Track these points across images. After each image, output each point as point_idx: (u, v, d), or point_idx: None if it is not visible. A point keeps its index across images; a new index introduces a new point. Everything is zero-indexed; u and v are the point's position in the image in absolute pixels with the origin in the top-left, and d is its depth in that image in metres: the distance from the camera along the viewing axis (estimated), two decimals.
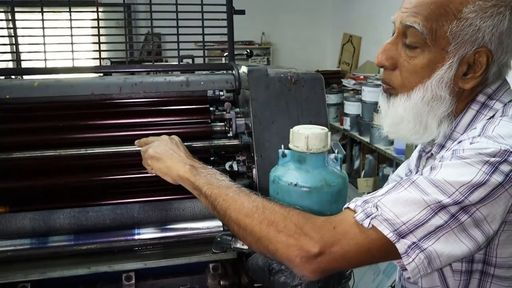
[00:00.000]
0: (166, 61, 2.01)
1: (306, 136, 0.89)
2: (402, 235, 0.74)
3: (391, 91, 0.93)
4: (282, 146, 0.95)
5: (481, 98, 0.89)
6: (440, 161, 0.79)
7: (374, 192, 0.83)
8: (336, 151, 0.95)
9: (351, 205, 0.80)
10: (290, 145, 0.93)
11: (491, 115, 0.88)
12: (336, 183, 0.91)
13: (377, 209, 0.76)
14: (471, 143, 0.79)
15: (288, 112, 1.15)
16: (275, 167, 0.96)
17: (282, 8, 5.90)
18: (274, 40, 5.97)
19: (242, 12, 1.22)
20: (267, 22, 5.89)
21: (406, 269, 0.75)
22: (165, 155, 1.02)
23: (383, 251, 0.76)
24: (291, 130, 0.93)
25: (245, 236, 0.85)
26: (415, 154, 1.21)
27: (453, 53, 0.85)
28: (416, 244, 0.73)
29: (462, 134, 0.88)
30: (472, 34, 0.83)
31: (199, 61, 1.81)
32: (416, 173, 1.03)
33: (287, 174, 0.92)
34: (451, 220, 0.73)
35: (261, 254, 0.89)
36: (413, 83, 0.88)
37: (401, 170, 1.30)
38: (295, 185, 0.89)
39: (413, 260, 0.73)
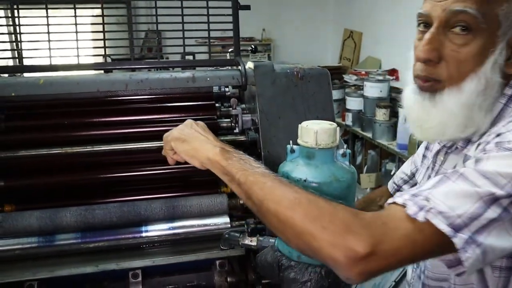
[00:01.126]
0: (167, 58, 2.00)
1: (315, 131, 0.89)
2: (458, 229, 0.70)
3: (436, 86, 0.87)
4: (291, 141, 0.95)
5: (508, 91, 0.87)
6: (484, 153, 0.76)
7: (417, 186, 0.80)
8: (345, 146, 0.94)
9: (398, 199, 0.75)
10: (299, 141, 0.92)
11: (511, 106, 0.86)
12: (345, 179, 0.90)
13: (429, 202, 0.72)
14: None
15: (295, 108, 1.15)
16: (283, 162, 0.96)
17: (283, 4, 5.88)
18: (274, 36, 5.96)
19: (247, 7, 1.21)
20: (268, 18, 5.88)
21: (454, 266, 0.73)
22: (192, 137, 0.94)
23: (436, 245, 0.72)
24: (299, 125, 0.92)
25: (284, 230, 0.79)
26: (421, 150, 1.20)
27: (502, 37, 0.83)
28: (472, 239, 0.70)
29: (492, 128, 0.84)
30: (506, 16, 0.82)
31: (201, 57, 1.81)
32: (431, 169, 1.01)
33: (296, 170, 0.91)
34: (504, 213, 0.70)
35: (301, 251, 0.83)
36: (464, 73, 0.84)
37: (406, 166, 1.30)
38: (305, 180, 0.89)
39: (470, 255, 0.70)
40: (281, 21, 5.92)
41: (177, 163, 1.16)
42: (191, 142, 0.93)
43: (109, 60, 1.46)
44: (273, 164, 0.97)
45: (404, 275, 3.05)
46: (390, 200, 0.78)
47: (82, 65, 1.27)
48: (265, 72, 1.14)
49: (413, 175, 1.24)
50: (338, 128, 0.92)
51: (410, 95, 0.92)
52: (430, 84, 0.87)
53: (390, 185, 1.34)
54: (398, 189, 1.28)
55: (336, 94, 4.32)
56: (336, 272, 0.77)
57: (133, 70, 1.32)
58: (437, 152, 1.01)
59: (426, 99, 0.88)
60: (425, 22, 0.87)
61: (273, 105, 1.14)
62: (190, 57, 1.99)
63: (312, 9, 6.03)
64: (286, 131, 1.10)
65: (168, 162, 1.03)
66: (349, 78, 4.34)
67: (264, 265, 1.02)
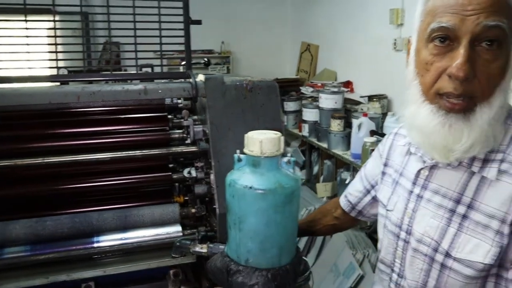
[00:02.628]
0: (126, 70, 2.01)
1: (260, 140, 0.93)
2: None
3: (469, 105, 0.82)
4: (238, 151, 0.99)
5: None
6: None
7: None
8: (289, 155, 0.99)
9: None
10: (245, 150, 0.97)
11: (510, 123, 0.88)
12: (289, 185, 0.95)
13: None
14: None
15: (244, 119, 1.19)
16: (231, 171, 1.00)
17: (242, 17, 5.96)
18: (233, 49, 6.03)
19: (198, 22, 1.25)
20: (227, 31, 5.94)
21: None
22: None
23: None
24: (245, 135, 0.96)
25: None
26: (376, 168, 1.20)
27: None
28: None
29: (501, 146, 0.86)
30: None
31: (158, 70, 1.83)
32: (413, 184, 1.00)
33: (242, 178, 0.95)
34: None
35: None
36: (493, 88, 0.82)
37: (358, 183, 1.29)
38: (250, 187, 0.93)
39: None
40: (240, 34, 5.99)
41: (130, 173, 1.19)
42: None
43: (66, 72, 1.46)
44: (223, 174, 1.00)
45: (360, 280, 3.14)
46: None
47: (35, 77, 1.27)
48: (215, 85, 1.18)
49: (368, 192, 1.26)
50: (282, 138, 0.97)
51: (428, 117, 0.86)
52: (464, 103, 0.82)
53: (343, 202, 1.33)
54: (354, 206, 1.30)
55: (293, 106, 4.41)
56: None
57: (90, 82, 1.33)
58: (420, 169, 0.99)
59: (460, 120, 0.83)
60: (445, 36, 0.82)
61: (223, 117, 1.18)
62: (149, 70, 2.02)
63: (270, 23, 6.15)
64: (236, 141, 1.13)
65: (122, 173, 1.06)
66: (306, 90, 4.44)
67: (214, 271, 1.05)
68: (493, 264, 0.85)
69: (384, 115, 3.66)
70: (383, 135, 3.25)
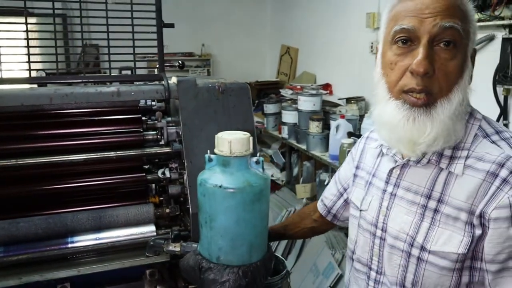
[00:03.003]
0: (105, 73, 2.01)
1: (229, 141, 0.96)
2: None
3: (430, 100, 0.89)
4: (208, 151, 1.02)
5: (467, 108, 0.95)
6: None
7: None
8: (258, 155, 1.02)
9: None
10: (216, 150, 0.99)
11: (477, 125, 0.95)
12: (258, 184, 0.98)
13: None
14: None
15: (217, 120, 1.22)
16: (202, 171, 1.02)
17: (222, 20, 5.99)
18: (214, 51, 6.05)
19: (171, 25, 1.27)
20: (207, 33, 5.96)
21: None
22: None
23: None
24: (216, 136, 0.99)
25: None
26: (348, 171, 1.24)
27: (469, 52, 0.92)
28: None
29: (462, 143, 0.93)
30: (474, 34, 0.92)
31: (139, 72, 1.84)
32: (386, 183, 1.05)
33: (212, 177, 0.98)
34: None
35: None
36: (451, 85, 0.89)
37: (332, 188, 1.33)
38: (220, 186, 0.96)
39: None
40: (220, 36, 6.01)
41: (105, 174, 1.20)
42: None
43: (43, 74, 1.46)
44: (196, 174, 1.03)
45: (339, 279, 3.18)
46: None
47: (6, 79, 1.27)
48: (187, 87, 1.21)
49: (341, 195, 1.29)
50: (251, 138, 1.00)
51: (394, 112, 0.92)
52: (425, 99, 0.88)
53: (320, 206, 1.36)
54: (329, 210, 1.33)
55: (272, 108, 4.44)
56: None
57: (70, 84, 1.33)
58: (392, 168, 1.04)
59: (422, 114, 0.89)
60: (406, 38, 0.89)
61: (196, 118, 1.20)
62: (129, 72, 2.03)
63: (250, 26, 6.19)
64: (208, 142, 1.15)
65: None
66: (285, 93, 4.48)
67: (186, 269, 1.07)
68: (466, 255, 0.90)
69: (362, 117, 3.72)
70: (360, 136, 3.30)
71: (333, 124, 3.45)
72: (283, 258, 1.48)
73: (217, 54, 6.07)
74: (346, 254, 1.22)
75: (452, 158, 0.94)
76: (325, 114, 3.83)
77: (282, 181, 4.58)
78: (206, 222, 1.00)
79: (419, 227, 0.95)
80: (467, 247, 0.90)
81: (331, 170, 3.55)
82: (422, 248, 0.95)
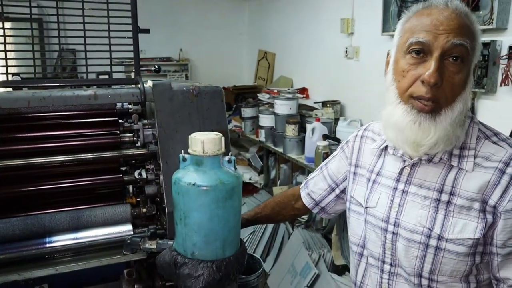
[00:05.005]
0: (82, 77, 2.04)
1: (202, 141, 1.01)
2: None
3: (436, 107, 0.99)
4: (182, 151, 1.06)
5: (468, 113, 1.06)
6: None
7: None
8: (230, 154, 1.07)
9: None
10: (189, 150, 1.04)
11: (477, 128, 1.07)
12: (230, 182, 1.03)
13: None
14: None
15: (191, 122, 1.26)
16: (177, 170, 1.07)
17: (200, 25, 6.03)
18: (192, 56, 6.08)
19: (147, 31, 1.32)
20: (185, 39, 5.99)
21: None
22: None
23: None
24: (189, 136, 1.04)
25: None
26: (343, 167, 1.32)
27: (472, 67, 1.02)
28: None
29: (466, 144, 1.04)
30: (478, 51, 1.02)
31: (117, 76, 1.87)
32: (396, 181, 1.12)
33: (186, 176, 1.02)
34: None
35: None
36: (455, 96, 0.99)
37: (321, 182, 1.39)
38: (193, 184, 1.00)
39: None
40: (198, 41, 6.05)
41: (83, 176, 1.23)
42: None
43: (19, 78, 1.48)
44: (171, 174, 1.07)
45: (316, 279, 3.25)
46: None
47: None
48: (162, 90, 1.25)
49: (332, 190, 1.36)
50: (223, 138, 1.05)
51: (403, 115, 1.02)
52: (432, 106, 0.98)
53: (306, 199, 1.42)
54: (317, 203, 1.40)
55: (250, 112, 4.50)
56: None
57: (47, 88, 1.35)
58: (403, 168, 1.12)
59: (427, 119, 0.99)
60: (420, 49, 0.99)
61: (171, 120, 1.25)
62: (106, 76, 2.05)
63: (228, 31, 6.25)
64: (183, 143, 1.19)
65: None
66: (263, 97, 4.55)
67: (162, 265, 1.11)
68: (479, 240, 1.01)
69: (337, 120, 3.81)
70: (335, 138, 3.39)
71: (308, 127, 3.53)
72: (259, 258, 1.53)
73: (195, 59, 6.11)
74: (350, 249, 1.28)
75: (461, 156, 1.05)
76: (301, 118, 3.91)
77: (260, 184, 4.64)
78: (181, 219, 1.05)
79: (435, 219, 1.04)
80: (482, 232, 1.00)
81: (307, 172, 3.62)
82: (440, 238, 1.03)
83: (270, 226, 3.90)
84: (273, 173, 4.46)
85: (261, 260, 1.51)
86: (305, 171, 3.70)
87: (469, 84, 1.01)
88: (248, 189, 4.64)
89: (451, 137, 1.01)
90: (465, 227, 1.01)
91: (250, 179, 4.68)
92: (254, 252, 3.79)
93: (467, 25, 0.99)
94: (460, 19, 0.98)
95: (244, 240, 4.04)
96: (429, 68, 0.97)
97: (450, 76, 0.98)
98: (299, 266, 3.39)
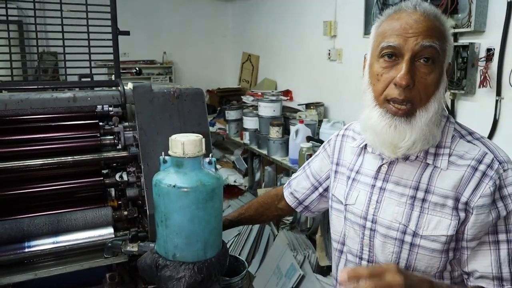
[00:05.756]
0: (64, 80, 2.01)
1: (182, 142, 1.01)
2: None
3: (410, 109, 1.01)
4: (163, 153, 1.06)
5: (444, 112, 1.09)
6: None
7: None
8: (210, 155, 1.07)
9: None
10: (170, 152, 1.04)
11: (453, 127, 1.09)
12: (210, 183, 1.03)
13: None
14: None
15: (172, 124, 1.26)
16: (157, 172, 1.07)
17: (184, 28, 6.01)
18: (176, 59, 6.06)
19: (126, 33, 1.31)
20: (169, 41, 5.97)
21: None
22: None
23: None
24: (170, 138, 1.04)
25: None
26: (324, 166, 1.34)
27: (445, 67, 1.04)
28: None
29: (442, 142, 1.07)
30: (450, 51, 1.05)
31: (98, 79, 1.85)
32: (374, 179, 1.14)
33: (167, 177, 1.02)
34: None
35: None
36: (429, 96, 1.01)
37: (304, 181, 1.41)
38: (174, 186, 1.00)
39: None
40: (182, 44, 6.03)
41: (63, 179, 1.21)
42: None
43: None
44: (152, 176, 1.06)
45: (301, 280, 3.25)
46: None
47: None
48: (143, 92, 1.24)
49: (315, 188, 1.38)
50: (203, 140, 1.06)
51: (378, 119, 1.04)
52: (406, 109, 1.01)
53: (289, 199, 1.44)
54: (301, 202, 1.42)
55: (234, 115, 4.50)
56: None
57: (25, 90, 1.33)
58: (380, 165, 1.14)
59: (403, 122, 1.01)
60: (392, 53, 1.01)
61: (152, 122, 1.24)
62: (88, 79, 2.03)
63: (212, 33, 6.24)
64: (164, 145, 1.18)
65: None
66: (247, 99, 4.56)
67: (144, 268, 1.11)
68: (452, 236, 1.03)
69: (320, 121, 3.84)
70: (318, 140, 3.41)
71: (292, 129, 3.54)
72: (244, 260, 1.53)
73: (179, 61, 6.09)
74: (332, 247, 1.30)
75: (436, 155, 1.07)
76: (285, 120, 3.92)
77: (245, 186, 4.64)
78: (162, 221, 1.04)
79: (410, 216, 1.06)
80: (455, 229, 1.02)
81: (292, 174, 3.62)
82: (415, 234, 1.05)
83: (255, 228, 3.90)
84: (257, 175, 4.46)
85: (245, 262, 1.51)
86: (289, 172, 3.71)
87: (442, 84, 1.03)
88: (233, 191, 4.64)
89: (428, 137, 1.03)
90: (439, 224, 1.04)
91: (235, 181, 4.67)
92: (239, 254, 3.78)
93: (437, 26, 1.01)
94: (429, 21, 1.00)
95: (230, 243, 4.04)
96: (400, 70, 0.99)
97: (422, 77, 1.00)
98: (284, 268, 3.39)
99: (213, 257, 1.08)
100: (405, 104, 1.00)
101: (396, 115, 1.01)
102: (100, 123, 1.35)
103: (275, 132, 3.67)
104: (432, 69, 1.00)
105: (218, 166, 4.87)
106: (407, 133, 1.01)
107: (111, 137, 1.32)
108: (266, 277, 3.56)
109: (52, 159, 1.25)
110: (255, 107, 4.22)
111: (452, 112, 2.91)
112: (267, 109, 3.87)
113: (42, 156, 1.26)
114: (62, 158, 1.26)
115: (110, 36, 1.34)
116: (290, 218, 3.68)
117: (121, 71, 4.93)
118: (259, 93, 4.47)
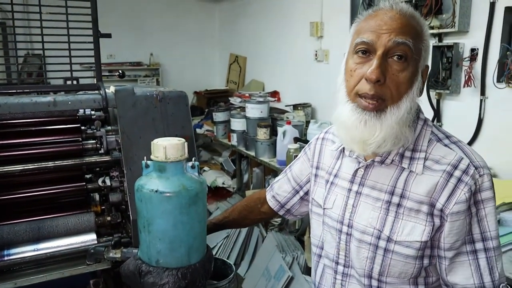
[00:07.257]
0: (49, 83, 1.99)
1: (164, 146, 0.99)
2: None
3: (381, 105, 1.00)
4: (145, 157, 1.04)
5: (422, 116, 1.09)
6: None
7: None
8: (193, 159, 1.06)
9: None
10: (152, 156, 1.02)
11: (430, 130, 1.08)
12: (193, 187, 1.01)
13: None
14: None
15: (155, 128, 1.24)
16: (140, 177, 1.05)
17: (170, 29, 5.98)
18: (163, 61, 6.02)
19: (108, 35, 1.29)
20: (156, 43, 5.93)
21: None
22: None
23: None
24: (152, 142, 1.02)
25: None
26: (305, 170, 1.33)
27: (420, 67, 1.03)
28: None
29: (417, 146, 1.06)
30: (426, 51, 1.04)
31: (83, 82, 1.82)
32: (350, 183, 1.14)
33: (149, 182, 1.00)
34: None
35: None
36: (401, 94, 1.00)
37: (285, 184, 1.40)
38: (156, 191, 0.98)
39: None
40: (169, 46, 6.00)
41: (44, 185, 1.19)
42: None
43: None
44: (135, 181, 1.04)
45: (290, 282, 3.25)
46: None
47: None
48: (125, 96, 1.22)
49: (296, 192, 1.37)
50: (186, 144, 1.04)
51: (349, 114, 1.03)
52: (377, 104, 0.99)
53: (272, 202, 1.43)
54: (282, 205, 1.41)
55: (221, 116, 4.48)
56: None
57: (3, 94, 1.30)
58: (357, 169, 1.13)
59: (373, 117, 1.00)
60: (365, 49, 1.01)
61: (134, 126, 1.22)
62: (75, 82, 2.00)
63: (199, 35, 6.22)
64: (147, 149, 1.16)
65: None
66: (234, 101, 4.54)
67: (127, 274, 1.09)
68: (427, 243, 1.02)
69: (308, 122, 3.84)
70: (306, 141, 3.41)
71: (280, 130, 3.53)
72: (231, 263, 1.52)
73: (166, 63, 6.05)
74: (311, 251, 1.28)
75: (412, 159, 1.06)
76: (272, 121, 3.91)
77: (233, 188, 4.62)
78: (144, 226, 1.03)
79: (385, 221, 1.05)
80: (429, 235, 1.01)
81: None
82: (389, 240, 1.04)
83: (244, 230, 3.88)
84: (246, 177, 4.45)
85: (233, 265, 1.50)
86: (277, 174, 3.70)
87: (416, 84, 1.02)
88: (222, 193, 4.62)
89: (399, 136, 1.01)
90: (413, 230, 1.02)
91: (223, 183, 4.65)
92: (228, 257, 3.77)
93: (412, 25, 1.01)
94: (403, 19, 1.00)
95: (218, 245, 4.02)
96: (371, 65, 0.99)
97: (394, 74, 0.99)
98: (273, 269, 3.39)
99: (197, 263, 1.06)
100: (376, 100, 0.99)
101: (367, 109, 1.00)
102: (82, 127, 1.32)
103: (262, 134, 3.66)
104: (404, 67, 0.99)
105: (206, 168, 4.87)
106: (377, 128, 0.99)
107: (94, 141, 1.30)
108: (255, 279, 3.55)
109: (32, 164, 1.22)
110: (243, 109, 4.21)
111: (437, 111, 2.93)
112: (254, 111, 3.86)
113: (22, 162, 1.23)
114: (43, 163, 1.23)
115: (90, 39, 1.32)
116: (278, 220, 3.68)
117: (107, 73, 4.91)
118: (247, 95, 4.46)
